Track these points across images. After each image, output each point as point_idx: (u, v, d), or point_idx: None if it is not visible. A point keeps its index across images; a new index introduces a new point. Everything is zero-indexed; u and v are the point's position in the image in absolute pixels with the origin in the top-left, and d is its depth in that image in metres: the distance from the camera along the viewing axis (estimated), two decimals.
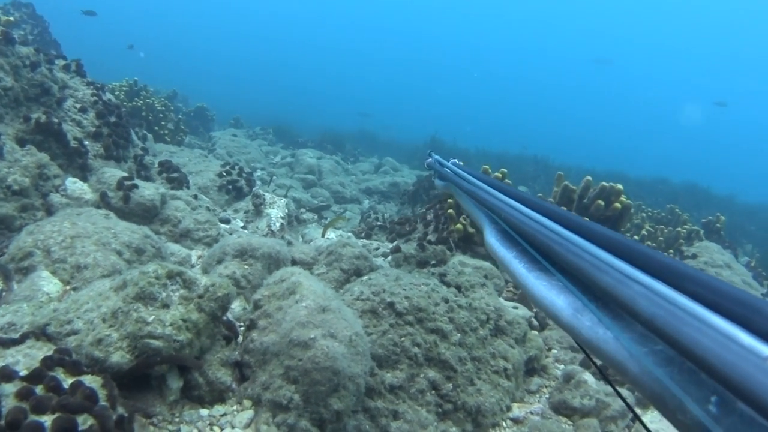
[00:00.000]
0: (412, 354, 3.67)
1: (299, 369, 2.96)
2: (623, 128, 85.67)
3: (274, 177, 11.47)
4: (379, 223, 7.70)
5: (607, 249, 1.10)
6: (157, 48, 61.32)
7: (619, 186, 6.26)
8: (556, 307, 1.20)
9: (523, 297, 5.58)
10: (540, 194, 8.34)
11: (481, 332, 4.08)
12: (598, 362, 1.43)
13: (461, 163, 2.70)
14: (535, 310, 5.51)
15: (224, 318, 3.37)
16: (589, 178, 6.09)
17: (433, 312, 3.89)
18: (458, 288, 4.30)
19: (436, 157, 3.02)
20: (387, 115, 46.96)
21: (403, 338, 3.70)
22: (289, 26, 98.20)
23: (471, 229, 6.25)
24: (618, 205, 6.09)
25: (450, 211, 6.42)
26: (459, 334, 3.92)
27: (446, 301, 4.04)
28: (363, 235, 7.31)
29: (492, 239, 1.69)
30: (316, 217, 9.33)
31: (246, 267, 4.39)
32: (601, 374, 1.52)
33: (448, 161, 2.80)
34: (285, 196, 9.49)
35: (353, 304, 3.83)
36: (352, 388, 3.03)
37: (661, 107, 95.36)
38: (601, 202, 5.93)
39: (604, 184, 6.26)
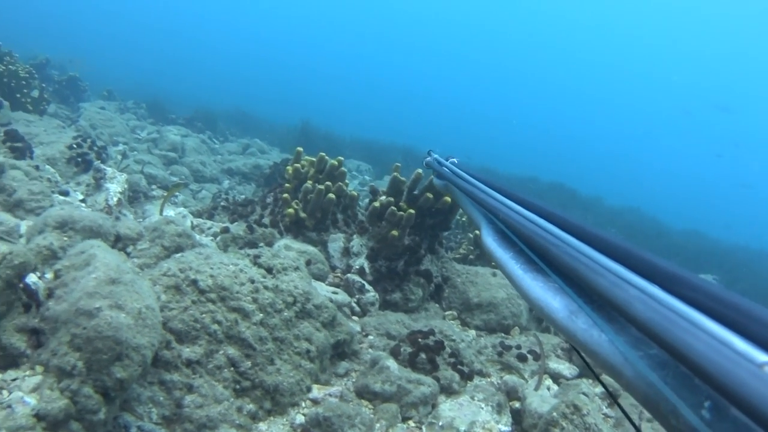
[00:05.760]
0: (212, 330, 3.80)
1: (83, 337, 3.05)
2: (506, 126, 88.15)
3: (135, 153, 11.31)
4: (223, 203, 7.76)
5: (603, 251, 1.10)
6: (42, 8, 59.06)
7: None
8: (551, 308, 1.23)
9: (347, 284, 5.79)
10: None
11: (285, 314, 4.23)
12: (593, 367, 1.39)
13: (456, 161, 2.75)
14: (357, 296, 5.74)
15: (23, 285, 3.42)
16: (420, 171, 6.31)
17: (237, 291, 4.03)
18: (269, 270, 4.44)
19: (435, 155, 3.02)
20: (265, 98, 46.64)
21: (203, 315, 3.82)
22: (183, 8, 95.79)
23: (302, 214, 6.37)
24: (448, 199, 6.31)
25: (285, 195, 6.54)
26: (262, 314, 4.06)
27: (252, 281, 4.17)
28: (206, 215, 7.37)
29: (489, 239, 1.72)
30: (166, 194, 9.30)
31: (65, 239, 4.40)
32: (598, 380, 1.54)
33: (447, 160, 2.83)
34: (141, 172, 9.44)
35: (159, 279, 3.91)
36: (136, 358, 3.14)
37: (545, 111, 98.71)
38: (430, 196, 6.17)
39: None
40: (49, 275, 3.78)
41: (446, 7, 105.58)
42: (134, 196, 7.68)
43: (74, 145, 7.71)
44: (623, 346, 0.96)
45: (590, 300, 1.13)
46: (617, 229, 20.16)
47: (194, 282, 3.93)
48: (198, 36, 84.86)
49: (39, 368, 3.25)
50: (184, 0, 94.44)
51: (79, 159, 7.44)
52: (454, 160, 2.80)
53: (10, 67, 10.97)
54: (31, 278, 3.50)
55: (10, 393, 3.10)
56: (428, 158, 3.06)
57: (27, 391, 3.11)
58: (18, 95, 10.82)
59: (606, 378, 4.87)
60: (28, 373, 3.25)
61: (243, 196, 10.01)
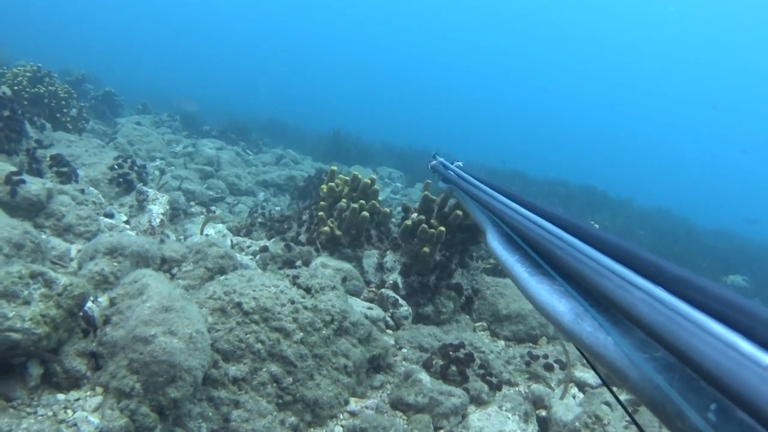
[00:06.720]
0: (256, 350, 4.05)
1: (140, 361, 3.31)
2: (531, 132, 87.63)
3: (172, 168, 11.59)
4: (260, 220, 7.97)
5: (609, 254, 1.12)
6: (76, 24, 59.97)
7: None
8: (557, 311, 1.23)
9: (382, 299, 6.01)
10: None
11: (324, 332, 4.47)
12: (596, 367, 1.49)
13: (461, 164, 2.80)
14: (390, 311, 5.96)
15: (83, 313, 3.68)
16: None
17: (279, 312, 4.28)
18: (308, 290, 4.68)
19: (441, 159, 3.02)
20: (297, 106, 46.94)
21: (248, 335, 4.08)
22: (211, 16, 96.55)
23: (338, 232, 6.58)
24: None
25: (321, 213, 6.74)
26: (302, 333, 4.31)
27: (292, 302, 4.41)
28: (243, 232, 7.59)
29: (494, 243, 1.72)
30: (205, 210, 9.48)
31: (115, 264, 4.66)
32: (603, 382, 1.57)
33: (452, 163, 2.88)
34: (179, 189, 9.72)
35: (206, 302, 4.19)
36: (188, 379, 3.40)
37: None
38: (460, 213, 6.35)
39: None
40: (102, 299, 4.04)
41: (476, 3, 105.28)
42: (174, 214, 7.94)
43: (115, 166, 7.97)
44: (629, 348, 0.96)
45: (596, 303, 1.14)
46: (647, 230, 20.05)
47: (238, 304, 4.19)
48: (223, 43, 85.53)
49: (99, 389, 3.51)
50: (207, 9, 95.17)
51: (121, 180, 7.71)
52: (459, 163, 2.82)
53: (50, 87, 11.23)
54: (87, 303, 3.76)
55: (75, 412, 3.37)
56: (433, 162, 3.07)
57: (89, 411, 3.38)
58: (58, 115, 11.07)
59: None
60: (89, 393, 3.51)
61: (278, 208, 10.25)
